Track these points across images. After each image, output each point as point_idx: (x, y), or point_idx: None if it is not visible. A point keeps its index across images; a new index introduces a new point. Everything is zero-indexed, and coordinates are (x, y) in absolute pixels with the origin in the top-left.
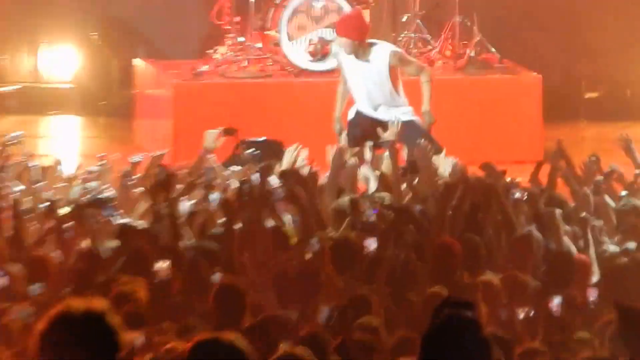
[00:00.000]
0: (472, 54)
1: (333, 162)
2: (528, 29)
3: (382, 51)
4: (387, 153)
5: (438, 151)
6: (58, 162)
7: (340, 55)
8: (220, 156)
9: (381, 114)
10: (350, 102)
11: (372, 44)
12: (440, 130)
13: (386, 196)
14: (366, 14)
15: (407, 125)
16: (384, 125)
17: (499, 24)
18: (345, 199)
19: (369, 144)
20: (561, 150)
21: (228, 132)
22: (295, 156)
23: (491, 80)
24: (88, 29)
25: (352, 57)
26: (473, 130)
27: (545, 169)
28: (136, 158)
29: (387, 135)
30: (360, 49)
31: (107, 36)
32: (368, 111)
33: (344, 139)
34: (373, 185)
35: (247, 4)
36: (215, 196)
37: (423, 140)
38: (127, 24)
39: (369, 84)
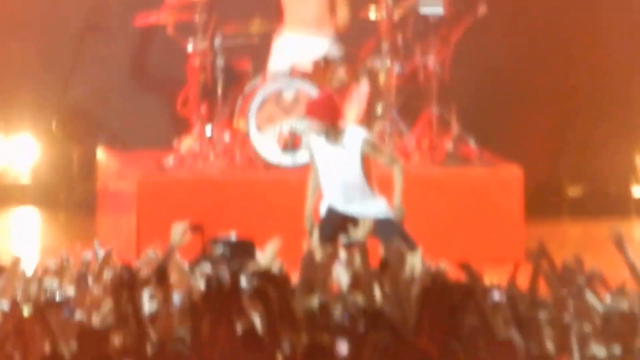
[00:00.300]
0: (451, 146)
1: (303, 263)
2: (509, 121)
3: (355, 136)
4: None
5: (412, 249)
6: (18, 260)
7: (312, 141)
8: (188, 255)
9: (354, 209)
10: (322, 197)
11: (345, 129)
12: (416, 226)
13: (359, 298)
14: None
15: (382, 223)
16: (356, 222)
17: (479, 116)
18: (315, 301)
19: (342, 241)
20: (543, 250)
21: (194, 228)
22: (273, 254)
23: (470, 174)
24: (46, 118)
25: (324, 142)
26: (451, 226)
27: (527, 269)
28: (87, 255)
29: (358, 236)
30: (332, 133)
31: (67, 126)
32: (340, 206)
33: (315, 237)
34: (346, 285)
35: (214, 94)
36: (177, 297)
37: (397, 239)
38: (88, 113)
39: (341, 172)
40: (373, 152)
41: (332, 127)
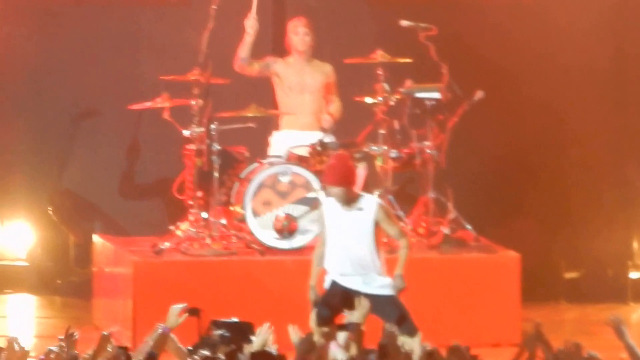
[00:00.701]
0: (447, 231)
1: (301, 346)
2: (505, 206)
3: (371, 201)
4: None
5: (413, 333)
6: (14, 340)
7: (325, 209)
8: (187, 339)
9: (357, 285)
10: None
11: (360, 194)
12: (414, 310)
13: None
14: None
15: (384, 300)
16: (359, 296)
17: (475, 201)
18: None
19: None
20: (539, 334)
21: (191, 312)
22: (266, 337)
23: (467, 259)
24: (43, 203)
25: (339, 207)
26: (447, 310)
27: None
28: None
29: (355, 318)
30: (349, 197)
31: (63, 211)
32: (344, 281)
33: (314, 316)
34: None
35: (210, 179)
36: None
37: (394, 322)
38: (84, 200)
39: (352, 239)
40: (385, 219)
41: (349, 192)
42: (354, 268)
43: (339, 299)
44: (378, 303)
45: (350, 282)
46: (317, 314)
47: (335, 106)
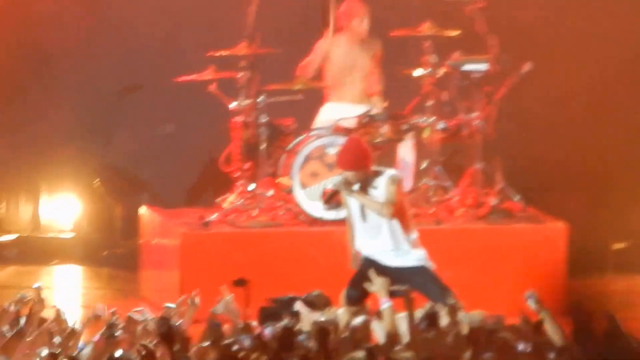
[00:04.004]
0: (495, 202)
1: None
2: (553, 176)
3: (383, 179)
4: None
5: (449, 300)
6: (60, 312)
7: (345, 192)
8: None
9: (387, 261)
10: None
11: (377, 172)
12: (460, 281)
13: (409, 355)
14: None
15: (416, 273)
16: (394, 273)
17: (523, 171)
18: (359, 354)
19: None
20: (581, 310)
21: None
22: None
23: (514, 229)
24: (90, 176)
25: (358, 189)
26: (494, 281)
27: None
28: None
29: (374, 288)
30: (366, 179)
31: (110, 183)
32: (373, 258)
33: (344, 296)
34: (382, 340)
35: (257, 151)
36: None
37: (428, 292)
38: (131, 171)
39: (373, 217)
40: (386, 193)
41: (363, 174)
42: (381, 244)
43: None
44: (410, 275)
45: (380, 258)
46: (346, 294)
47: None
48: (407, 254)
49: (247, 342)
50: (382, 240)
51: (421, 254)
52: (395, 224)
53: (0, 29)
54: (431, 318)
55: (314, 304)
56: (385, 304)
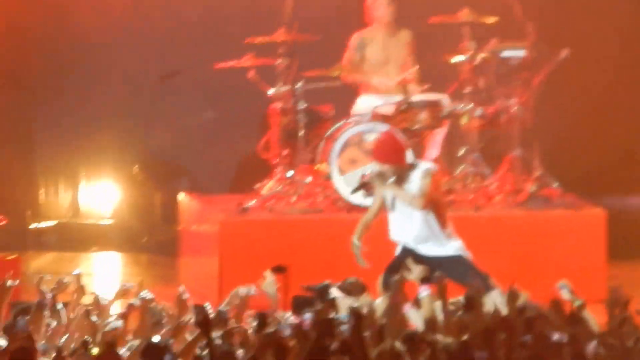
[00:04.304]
0: (533, 188)
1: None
2: (591, 162)
3: (418, 171)
4: (424, 294)
5: (488, 287)
6: (99, 300)
7: (379, 185)
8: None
9: (427, 250)
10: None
11: (412, 165)
12: (499, 267)
13: (449, 340)
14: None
15: (452, 262)
16: (431, 262)
17: (562, 157)
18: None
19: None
20: (618, 296)
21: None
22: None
23: (552, 216)
24: (130, 162)
25: (393, 182)
26: (533, 267)
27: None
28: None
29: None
30: (401, 171)
31: (149, 170)
32: (411, 247)
33: (381, 282)
34: (420, 326)
35: (296, 137)
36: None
37: (471, 276)
38: (170, 158)
39: (408, 208)
40: (419, 182)
41: (397, 168)
42: (418, 234)
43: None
44: (447, 265)
45: (417, 247)
46: (384, 282)
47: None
48: (443, 244)
49: (287, 331)
50: (416, 231)
51: (457, 244)
52: (430, 215)
53: (42, 16)
54: (470, 302)
55: (350, 291)
56: (424, 291)
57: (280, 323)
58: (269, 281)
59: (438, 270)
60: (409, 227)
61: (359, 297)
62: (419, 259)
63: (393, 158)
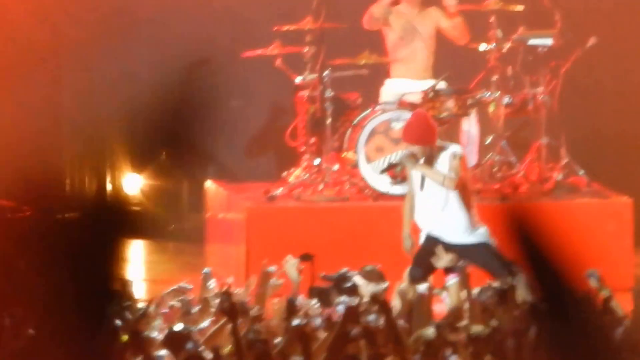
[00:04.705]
0: (560, 177)
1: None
2: (618, 151)
3: (448, 154)
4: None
5: (513, 274)
6: (129, 283)
7: (410, 166)
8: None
9: (452, 237)
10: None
11: (441, 148)
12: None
13: (478, 328)
14: None
15: (478, 249)
16: (457, 249)
17: (588, 146)
18: (429, 330)
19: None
20: None
21: (304, 257)
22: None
23: (579, 204)
24: (157, 150)
25: (422, 163)
26: (559, 256)
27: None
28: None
29: (441, 264)
30: (430, 153)
31: (176, 157)
32: (435, 234)
33: (407, 275)
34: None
35: (323, 125)
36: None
37: (492, 268)
38: (197, 145)
39: (436, 192)
40: (449, 163)
41: (429, 149)
42: (443, 220)
43: (433, 253)
44: (472, 252)
45: (442, 234)
46: (410, 272)
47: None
48: (469, 231)
49: (317, 321)
50: (444, 217)
51: (483, 230)
52: (457, 200)
53: (69, 3)
54: (503, 294)
55: (368, 279)
56: (452, 279)
57: (308, 313)
58: (291, 263)
59: (464, 257)
60: (436, 213)
61: (378, 283)
62: (445, 246)
63: (423, 139)
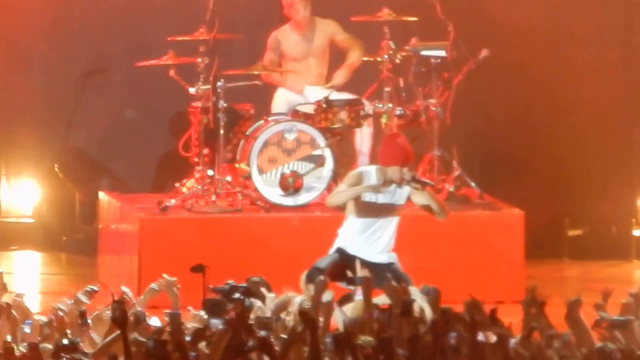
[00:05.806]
0: (452, 188)
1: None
2: (509, 163)
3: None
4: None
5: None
6: (20, 297)
7: (367, 177)
8: (193, 296)
9: (371, 256)
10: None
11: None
12: (417, 267)
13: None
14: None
15: (390, 268)
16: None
17: (480, 158)
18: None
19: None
20: (534, 296)
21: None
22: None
23: (471, 216)
24: (50, 161)
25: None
26: (451, 267)
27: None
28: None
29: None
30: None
31: (69, 168)
32: (351, 250)
33: (304, 278)
34: (341, 326)
35: (216, 136)
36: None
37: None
38: (90, 156)
39: (384, 211)
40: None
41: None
42: (369, 237)
43: (341, 265)
44: (384, 270)
45: (358, 251)
46: (308, 277)
47: (354, 56)
48: (383, 251)
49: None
50: (384, 240)
51: (394, 255)
52: (396, 223)
53: None
54: (406, 308)
55: (254, 289)
56: (359, 295)
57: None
58: (167, 282)
59: (375, 274)
60: (366, 230)
61: (269, 293)
62: (362, 263)
63: (407, 159)
